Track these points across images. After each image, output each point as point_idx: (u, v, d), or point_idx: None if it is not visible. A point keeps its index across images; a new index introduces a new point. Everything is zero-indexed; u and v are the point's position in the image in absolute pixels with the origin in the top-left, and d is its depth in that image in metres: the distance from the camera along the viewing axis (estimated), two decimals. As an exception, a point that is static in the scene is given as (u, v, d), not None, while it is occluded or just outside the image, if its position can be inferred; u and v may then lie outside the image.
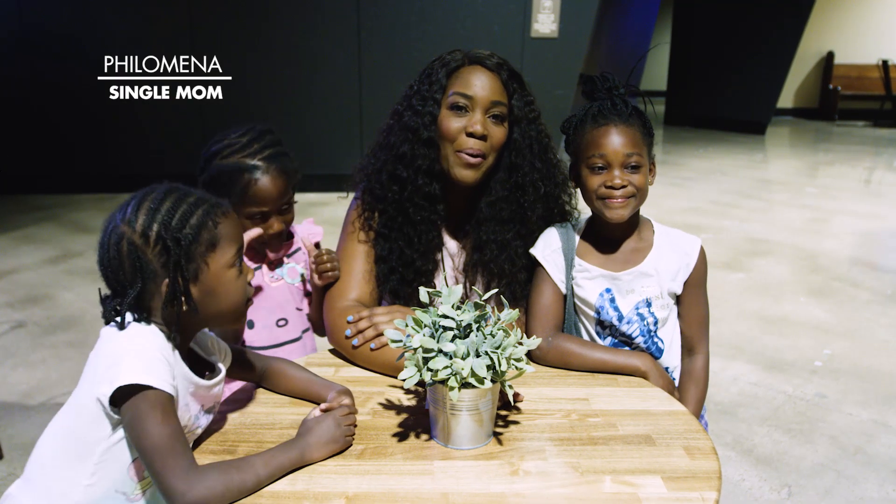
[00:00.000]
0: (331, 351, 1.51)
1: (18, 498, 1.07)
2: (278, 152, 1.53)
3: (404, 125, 1.49)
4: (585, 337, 1.51)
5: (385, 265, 1.52)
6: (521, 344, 1.10)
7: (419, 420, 1.21)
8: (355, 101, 6.27)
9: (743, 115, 10.96)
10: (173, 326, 1.04)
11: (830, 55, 12.61)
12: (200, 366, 1.15)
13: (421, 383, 1.23)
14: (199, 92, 6.20)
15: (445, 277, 1.57)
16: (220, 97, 6.23)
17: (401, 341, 1.11)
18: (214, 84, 6.20)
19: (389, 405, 1.27)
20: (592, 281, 1.46)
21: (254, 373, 1.30)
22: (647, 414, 1.24)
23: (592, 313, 1.47)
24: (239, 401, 1.27)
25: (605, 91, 1.43)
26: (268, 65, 6.16)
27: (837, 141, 10.36)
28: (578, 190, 1.50)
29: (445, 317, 1.09)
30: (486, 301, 1.14)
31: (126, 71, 6.10)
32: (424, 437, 1.16)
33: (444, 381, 1.06)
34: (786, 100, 12.59)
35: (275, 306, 1.61)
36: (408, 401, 1.29)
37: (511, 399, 1.13)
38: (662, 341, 1.48)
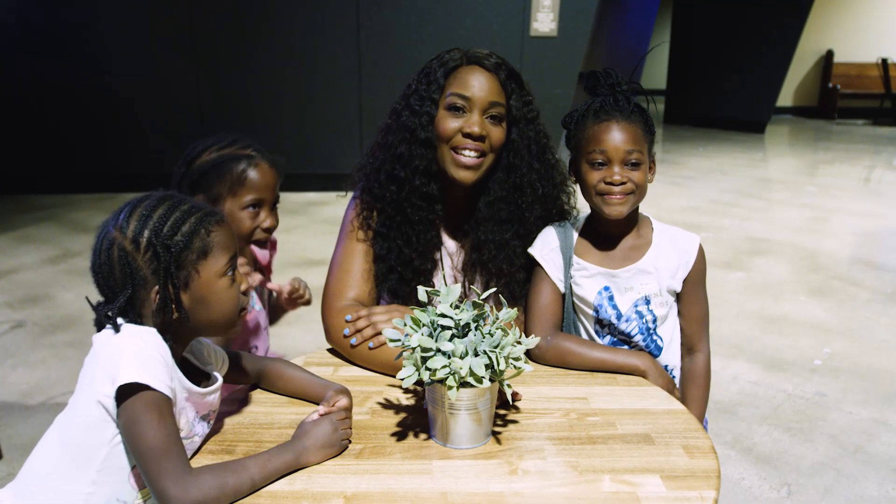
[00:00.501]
0: (329, 350, 1.51)
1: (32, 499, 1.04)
2: (263, 150, 1.55)
3: (402, 125, 1.49)
4: (584, 336, 1.51)
5: (384, 264, 1.52)
6: (519, 343, 1.10)
7: (418, 419, 1.21)
8: (355, 101, 6.27)
9: (742, 113, 10.96)
10: (167, 334, 1.03)
11: (830, 54, 12.61)
12: (196, 374, 1.13)
13: (419, 382, 1.23)
14: (199, 91, 6.21)
15: (444, 277, 1.57)
16: (221, 97, 6.24)
17: (399, 340, 1.11)
18: (214, 83, 6.21)
19: (388, 404, 1.27)
20: (591, 279, 1.46)
21: (251, 375, 1.30)
22: (646, 413, 1.24)
23: (591, 312, 1.47)
24: (237, 401, 1.27)
25: (608, 87, 1.43)
26: (268, 64, 6.16)
27: (837, 139, 10.36)
28: (577, 188, 1.50)
29: (444, 316, 1.09)
30: (484, 300, 1.14)
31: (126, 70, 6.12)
32: (423, 436, 1.16)
33: (442, 381, 1.05)
34: (785, 98, 12.59)
35: (248, 336, 1.62)
36: (406, 400, 1.29)
37: (510, 398, 1.12)
38: (661, 339, 1.48)
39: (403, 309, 1.43)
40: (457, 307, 1.11)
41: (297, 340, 3.26)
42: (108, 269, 1.01)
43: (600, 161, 1.39)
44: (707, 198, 6.44)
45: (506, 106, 1.47)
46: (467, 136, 1.43)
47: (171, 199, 1.05)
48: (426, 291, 1.15)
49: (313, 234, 5.16)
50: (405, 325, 1.11)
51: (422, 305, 1.13)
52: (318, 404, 1.23)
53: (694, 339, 1.50)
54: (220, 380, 1.16)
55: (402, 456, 1.10)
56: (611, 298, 1.45)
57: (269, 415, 1.23)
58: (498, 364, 1.06)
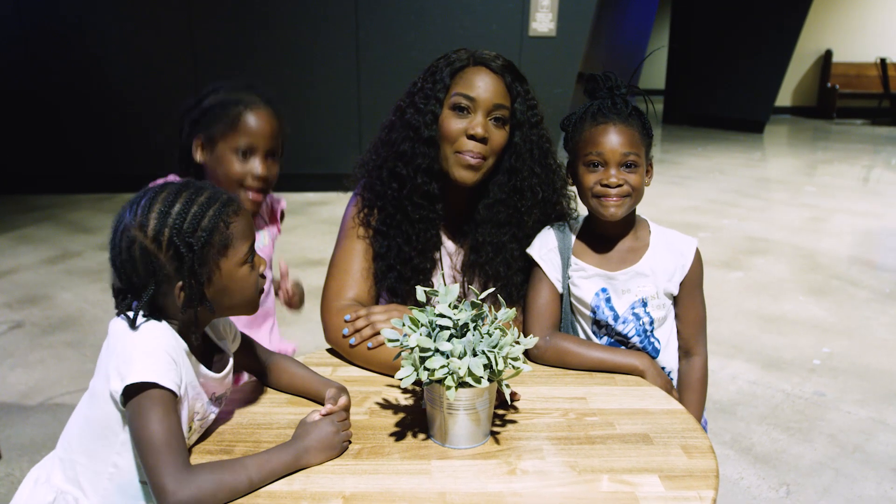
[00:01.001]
0: (328, 350, 1.51)
1: (53, 476, 1.11)
2: (270, 97, 1.52)
3: (406, 123, 1.49)
4: (582, 336, 1.51)
5: (383, 262, 1.52)
6: (517, 343, 1.10)
7: (416, 419, 1.21)
8: (354, 101, 6.27)
9: (741, 113, 10.97)
10: (191, 325, 1.05)
11: (828, 53, 12.62)
12: (210, 351, 1.17)
13: (418, 382, 1.23)
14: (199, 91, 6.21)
15: (444, 276, 1.57)
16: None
17: (398, 340, 1.11)
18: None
19: (386, 404, 1.27)
20: (588, 280, 1.46)
21: (258, 364, 1.32)
22: (645, 413, 1.24)
23: (588, 313, 1.47)
24: (236, 400, 1.27)
25: (607, 90, 1.43)
26: (267, 64, 6.16)
27: (836, 139, 10.37)
28: (575, 189, 1.50)
29: (442, 316, 1.09)
30: (482, 300, 1.14)
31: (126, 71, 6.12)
32: (422, 436, 1.16)
33: (440, 381, 1.05)
34: (784, 98, 12.60)
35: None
36: (405, 400, 1.29)
37: (508, 398, 1.12)
38: (659, 341, 1.48)
39: (402, 309, 1.43)
40: (455, 307, 1.11)
41: (296, 340, 3.25)
42: (130, 266, 1.01)
43: (597, 163, 1.39)
44: (706, 197, 6.44)
45: (510, 109, 1.47)
46: (471, 137, 1.43)
47: (188, 190, 1.04)
48: (425, 291, 1.15)
49: (312, 233, 5.16)
50: (404, 324, 1.11)
51: (420, 305, 1.13)
52: (316, 402, 1.24)
53: (691, 343, 1.50)
54: (231, 362, 1.18)
55: (400, 456, 1.10)
56: (608, 300, 1.45)
57: (267, 415, 1.23)
58: (496, 364, 1.06)
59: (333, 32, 6.10)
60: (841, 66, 12.59)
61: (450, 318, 1.09)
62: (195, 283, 1.02)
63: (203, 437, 1.15)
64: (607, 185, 1.38)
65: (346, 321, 1.43)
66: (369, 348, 1.39)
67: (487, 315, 1.12)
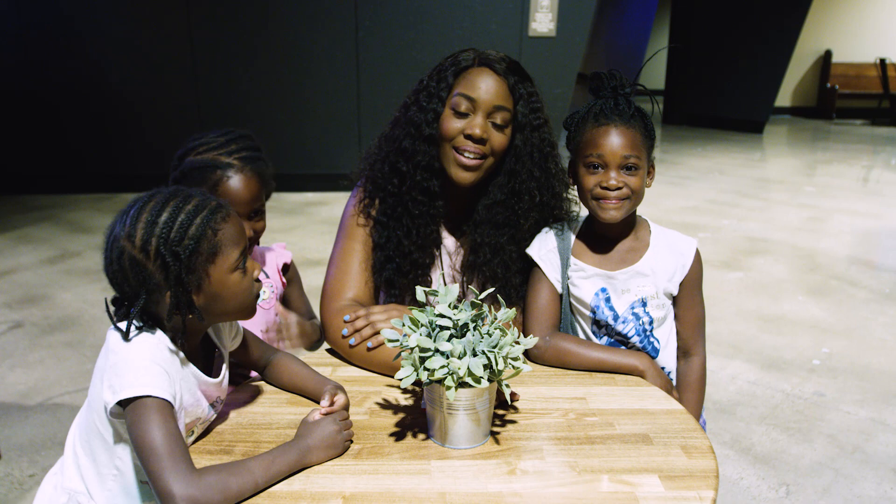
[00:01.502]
0: (328, 350, 1.51)
1: (65, 478, 1.13)
2: (255, 156, 1.48)
3: (409, 119, 1.49)
4: (582, 336, 1.51)
5: (382, 252, 1.53)
6: (517, 343, 1.10)
7: (416, 419, 1.21)
8: (353, 101, 6.27)
9: (741, 113, 10.97)
10: (179, 332, 1.05)
11: (828, 54, 12.62)
12: (210, 353, 1.18)
13: (418, 383, 1.23)
14: (197, 91, 6.21)
15: (443, 275, 1.57)
16: (219, 97, 6.23)
17: (397, 340, 1.11)
18: (213, 83, 6.20)
19: (386, 405, 1.27)
20: (588, 280, 1.46)
21: (259, 361, 1.32)
22: (645, 413, 1.24)
23: (588, 313, 1.47)
24: (236, 401, 1.27)
25: (611, 89, 1.42)
26: (266, 64, 6.16)
27: (835, 140, 10.37)
28: (575, 187, 1.50)
29: (442, 316, 1.09)
30: (482, 300, 1.14)
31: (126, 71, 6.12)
32: (421, 436, 1.16)
33: (440, 381, 1.05)
34: (783, 98, 12.60)
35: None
36: (405, 400, 1.29)
37: (508, 398, 1.12)
38: (658, 341, 1.48)
39: (402, 309, 1.43)
40: (455, 307, 1.11)
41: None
42: (121, 276, 1.02)
43: (597, 165, 1.39)
44: (705, 198, 6.44)
45: (512, 111, 1.47)
46: (468, 137, 1.43)
47: (175, 199, 1.04)
48: (424, 292, 1.15)
49: (311, 234, 5.16)
50: (403, 325, 1.11)
51: (420, 305, 1.13)
52: (316, 402, 1.24)
53: (690, 343, 1.50)
54: (226, 367, 1.19)
55: (400, 456, 1.10)
56: (607, 300, 1.45)
57: (267, 415, 1.23)
58: (496, 364, 1.06)
59: (333, 32, 6.10)
60: (840, 66, 12.59)
61: (450, 318, 1.09)
62: (183, 291, 1.02)
63: (203, 437, 1.16)
64: (607, 188, 1.38)
65: (345, 321, 1.43)
66: (369, 348, 1.39)
67: (487, 315, 1.12)
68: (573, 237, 1.50)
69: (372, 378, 1.38)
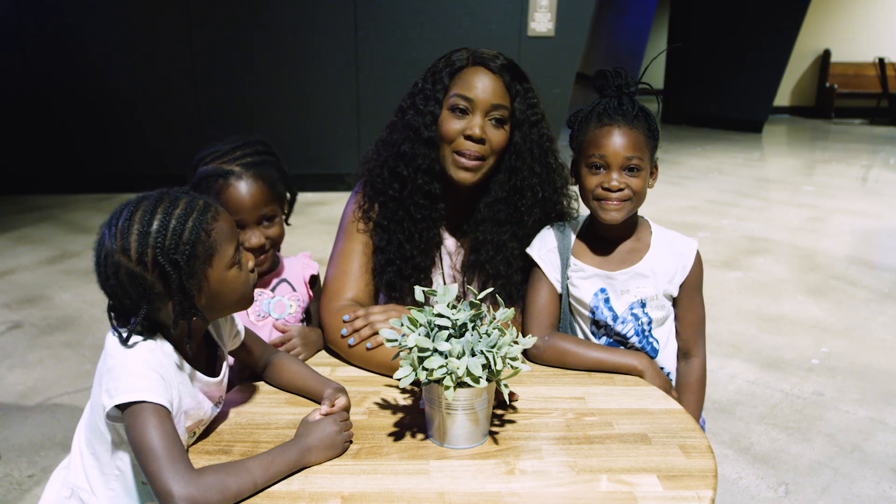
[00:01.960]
0: (327, 350, 1.51)
1: (70, 474, 1.14)
2: (262, 161, 1.46)
3: (406, 123, 1.49)
4: (581, 336, 1.51)
5: (382, 255, 1.52)
6: (516, 343, 1.10)
7: (415, 419, 1.21)
8: (352, 101, 6.27)
9: (740, 113, 10.96)
10: (186, 336, 1.05)
11: (827, 53, 12.62)
12: (211, 352, 1.18)
13: (416, 383, 1.23)
14: (196, 92, 6.20)
15: (443, 275, 1.57)
16: (219, 97, 6.23)
17: (396, 340, 1.11)
18: (212, 83, 6.20)
19: (385, 405, 1.27)
20: (587, 280, 1.46)
21: (258, 360, 1.32)
22: (644, 413, 1.24)
23: (587, 313, 1.47)
24: (235, 401, 1.27)
25: (615, 88, 1.41)
26: (265, 64, 6.16)
27: (834, 139, 10.37)
28: (577, 186, 1.50)
29: (441, 316, 1.09)
30: (481, 300, 1.14)
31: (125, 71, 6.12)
32: (420, 436, 1.16)
33: (439, 381, 1.05)
34: (782, 98, 12.59)
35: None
36: (403, 400, 1.29)
37: (507, 398, 1.12)
38: (658, 341, 1.48)
39: (401, 309, 1.43)
40: (454, 307, 1.11)
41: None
42: (120, 291, 1.01)
43: (599, 165, 1.39)
44: (705, 197, 6.44)
45: (509, 108, 1.46)
46: (468, 138, 1.43)
47: (162, 204, 1.03)
48: (423, 291, 1.15)
49: (311, 233, 5.16)
50: (402, 325, 1.11)
51: (419, 305, 1.13)
52: (315, 401, 1.24)
53: (690, 344, 1.50)
54: (226, 366, 1.19)
55: (399, 456, 1.10)
56: (607, 300, 1.45)
57: (266, 415, 1.23)
58: (495, 364, 1.06)
59: (332, 32, 6.09)
60: (839, 65, 12.58)
61: (448, 318, 1.09)
62: (186, 297, 1.02)
63: (202, 437, 1.16)
64: (608, 189, 1.37)
65: (344, 321, 1.43)
66: (368, 348, 1.39)
67: (486, 315, 1.12)
68: (573, 237, 1.50)
69: (371, 378, 1.38)
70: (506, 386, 1.11)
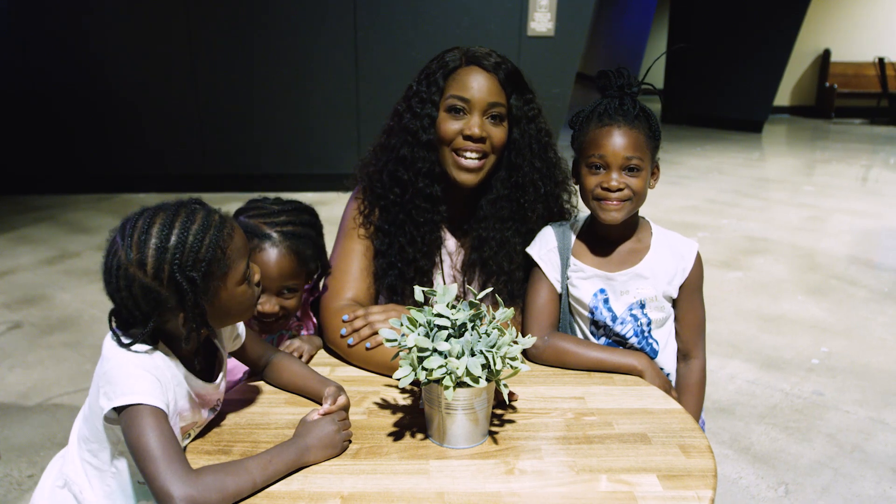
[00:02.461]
0: (326, 350, 1.51)
1: (66, 465, 1.15)
2: (303, 233, 1.45)
3: (404, 127, 1.49)
4: (580, 337, 1.51)
5: (384, 259, 1.52)
6: (515, 343, 1.10)
7: (415, 419, 1.21)
8: (352, 101, 6.27)
9: (740, 113, 10.96)
10: (195, 345, 1.07)
11: (827, 53, 12.62)
12: (211, 354, 1.18)
13: (416, 382, 1.23)
14: (196, 92, 6.20)
15: (443, 276, 1.57)
16: (219, 97, 6.23)
17: (396, 340, 1.11)
18: (212, 84, 6.20)
19: (385, 404, 1.27)
20: (587, 281, 1.46)
21: (258, 360, 1.33)
22: (643, 412, 1.24)
23: (586, 313, 1.47)
24: (234, 401, 1.27)
25: (617, 88, 1.41)
26: (265, 64, 6.16)
27: (834, 139, 10.37)
28: (578, 186, 1.50)
29: (440, 316, 1.09)
30: (481, 300, 1.14)
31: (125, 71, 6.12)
32: (420, 436, 1.16)
33: (438, 381, 1.05)
34: (782, 98, 12.59)
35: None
36: (403, 400, 1.29)
37: (506, 398, 1.12)
38: (657, 342, 1.48)
39: (400, 309, 1.43)
40: (453, 307, 1.11)
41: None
42: (132, 303, 1.00)
43: (599, 165, 1.39)
44: (705, 197, 6.44)
45: (506, 105, 1.46)
46: (468, 138, 1.43)
47: (180, 218, 1.02)
48: (423, 291, 1.15)
49: (311, 234, 5.16)
50: (402, 324, 1.11)
51: (419, 305, 1.13)
52: (314, 401, 1.24)
53: (689, 346, 1.50)
54: (223, 372, 1.19)
55: (398, 456, 1.10)
56: (606, 301, 1.45)
57: (265, 415, 1.23)
58: (494, 364, 1.06)
59: (332, 32, 6.09)
60: (839, 65, 12.58)
61: (448, 317, 1.09)
62: (199, 312, 1.02)
63: (201, 437, 1.16)
64: (608, 189, 1.37)
65: (343, 321, 1.43)
66: (367, 348, 1.39)
67: (485, 315, 1.12)
68: (574, 237, 1.50)
69: (370, 378, 1.38)
70: (505, 386, 1.11)
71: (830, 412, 2.74)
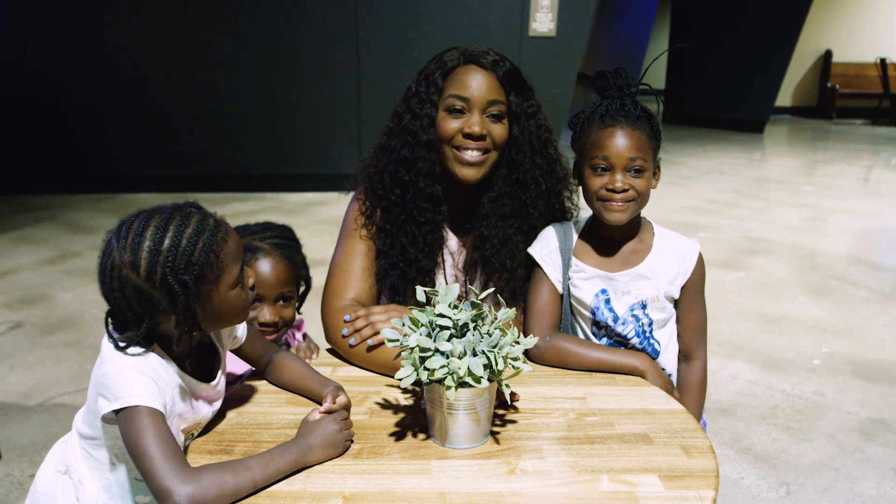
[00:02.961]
0: (328, 350, 1.51)
1: (67, 451, 1.17)
2: (289, 245, 1.53)
3: (404, 128, 1.49)
4: (581, 337, 1.51)
5: (386, 260, 1.52)
6: (517, 343, 1.10)
7: (416, 419, 1.21)
8: (353, 101, 6.27)
9: (741, 113, 10.96)
10: (187, 347, 1.07)
11: (828, 53, 12.62)
12: (210, 354, 1.18)
13: (418, 382, 1.23)
14: (197, 92, 6.21)
15: (445, 275, 1.57)
16: (219, 97, 6.23)
17: (397, 340, 1.11)
18: (213, 84, 6.20)
19: (386, 405, 1.27)
20: (588, 281, 1.46)
21: (261, 358, 1.33)
22: (645, 413, 1.24)
23: (588, 314, 1.47)
24: (236, 401, 1.27)
25: (617, 89, 1.41)
26: (266, 64, 6.16)
27: (835, 139, 10.36)
28: (580, 187, 1.50)
29: (442, 316, 1.09)
30: (482, 300, 1.14)
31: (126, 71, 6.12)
32: (422, 436, 1.16)
33: (440, 381, 1.05)
34: (784, 98, 12.59)
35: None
36: (405, 400, 1.29)
37: (508, 398, 1.12)
38: (659, 343, 1.48)
39: (402, 309, 1.43)
40: (455, 307, 1.11)
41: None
42: (124, 304, 1.01)
43: (602, 167, 1.38)
44: (706, 197, 6.44)
45: (505, 102, 1.46)
46: (468, 136, 1.43)
47: (175, 222, 1.02)
48: (425, 291, 1.15)
49: (312, 233, 5.16)
50: (403, 324, 1.11)
51: (421, 305, 1.13)
52: (315, 401, 1.24)
53: (691, 346, 1.50)
54: (221, 371, 1.19)
55: (400, 456, 1.10)
56: (607, 301, 1.45)
57: (267, 415, 1.23)
58: (496, 364, 1.06)
59: (333, 32, 6.09)
60: (841, 66, 12.58)
61: (450, 318, 1.09)
62: (190, 315, 1.03)
63: (202, 437, 1.16)
64: (612, 190, 1.37)
65: (345, 321, 1.43)
66: (369, 348, 1.39)
67: (487, 315, 1.12)
68: (575, 237, 1.49)
69: (372, 378, 1.38)
70: (507, 386, 1.11)
71: (832, 412, 2.73)
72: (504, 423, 1.20)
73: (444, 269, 1.57)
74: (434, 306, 1.11)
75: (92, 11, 5.97)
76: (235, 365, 1.44)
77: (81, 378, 2.95)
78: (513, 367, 1.09)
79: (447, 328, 1.08)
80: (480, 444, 1.13)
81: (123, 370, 1.01)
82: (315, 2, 6.00)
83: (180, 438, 1.10)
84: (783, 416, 2.70)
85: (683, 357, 1.51)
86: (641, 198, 1.39)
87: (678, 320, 1.50)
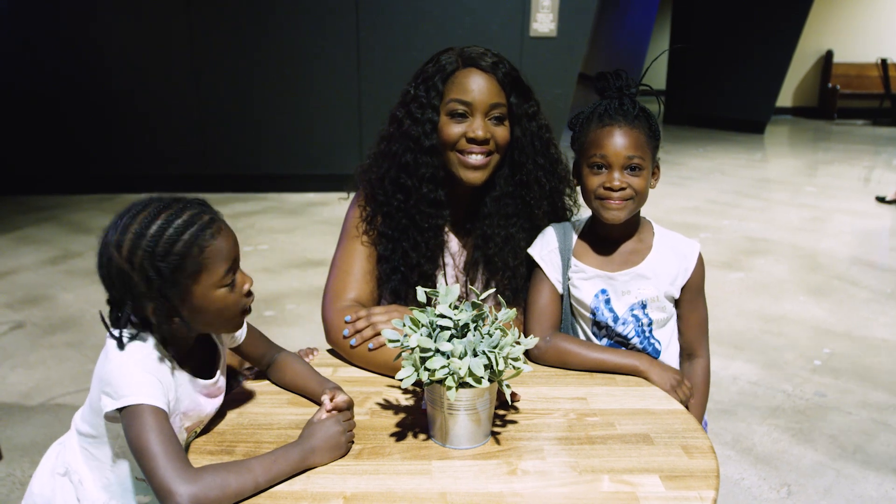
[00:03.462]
0: (329, 351, 1.51)
1: (67, 452, 1.17)
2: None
3: (405, 133, 1.48)
4: (582, 337, 1.51)
5: (387, 265, 1.52)
6: (518, 343, 1.10)
7: (417, 420, 1.21)
8: (354, 101, 6.27)
9: (742, 113, 10.96)
10: (168, 337, 1.07)
11: (829, 54, 12.61)
12: (210, 352, 1.18)
13: (418, 383, 1.23)
14: (198, 92, 6.21)
15: (445, 276, 1.57)
16: (221, 97, 6.24)
17: (398, 341, 1.11)
18: (214, 84, 6.21)
19: (387, 405, 1.27)
20: (588, 281, 1.46)
21: (263, 358, 1.33)
22: (646, 413, 1.24)
23: (588, 314, 1.47)
24: (237, 401, 1.27)
25: (616, 89, 1.41)
26: (267, 64, 6.16)
27: (836, 140, 10.36)
28: (579, 187, 1.50)
29: (443, 316, 1.09)
30: (483, 300, 1.14)
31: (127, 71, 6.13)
32: (422, 436, 1.16)
33: (441, 381, 1.06)
34: (785, 98, 12.58)
35: None
36: (405, 400, 1.29)
37: (509, 398, 1.12)
38: (659, 342, 1.48)
39: (403, 309, 1.43)
40: (456, 308, 1.11)
41: (296, 341, 3.25)
42: (108, 282, 1.04)
43: (600, 165, 1.39)
44: (706, 198, 6.44)
45: (507, 105, 1.47)
46: (472, 140, 1.43)
47: (168, 211, 1.03)
48: (425, 292, 1.15)
49: (312, 234, 5.16)
50: (404, 325, 1.12)
51: (421, 306, 1.14)
52: (315, 402, 1.24)
53: (694, 345, 1.50)
54: (221, 369, 1.19)
55: (401, 456, 1.10)
56: (607, 301, 1.45)
57: (268, 415, 1.23)
58: (497, 364, 1.06)
59: (334, 32, 6.10)
60: (842, 66, 12.57)
61: (450, 318, 1.09)
62: (165, 303, 1.03)
63: (203, 437, 1.16)
64: (610, 188, 1.38)
65: (346, 322, 1.43)
66: (370, 349, 1.39)
67: (488, 315, 1.12)
68: (575, 237, 1.50)
69: (373, 378, 1.38)
70: (508, 386, 1.11)
71: (832, 413, 2.73)
72: (505, 423, 1.20)
73: (445, 271, 1.57)
74: (435, 307, 1.11)
75: (93, 12, 5.97)
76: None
77: (83, 378, 2.95)
78: (513, 367, 1.09)
79: (448, 328, 1.09)
80: (481, 444, 1.13)
81: (128, 368, 1.01)
82: (316, 2, 6.01)
83: (183, 436, 1.10)
84: (784, 417, 2.70)
85: (686, 356, 1.52)
86: (639, 196, 1.39)
87: (679, 320, 1.50)
